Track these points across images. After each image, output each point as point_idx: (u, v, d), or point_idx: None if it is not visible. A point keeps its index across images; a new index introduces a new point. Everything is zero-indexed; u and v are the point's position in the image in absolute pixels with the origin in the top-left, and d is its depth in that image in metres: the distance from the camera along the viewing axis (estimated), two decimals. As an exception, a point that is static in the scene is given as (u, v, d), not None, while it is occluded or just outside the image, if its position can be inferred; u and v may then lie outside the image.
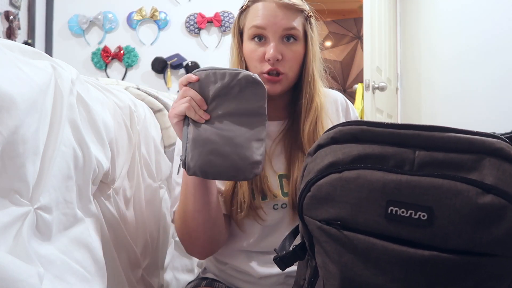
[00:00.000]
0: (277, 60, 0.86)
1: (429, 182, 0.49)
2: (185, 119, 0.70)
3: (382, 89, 2.69)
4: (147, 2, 2.85)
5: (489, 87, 2.07)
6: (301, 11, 0.90)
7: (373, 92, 2.62)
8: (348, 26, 5.32)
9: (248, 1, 0.92)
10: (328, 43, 5.33)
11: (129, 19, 2.86)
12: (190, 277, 1.20)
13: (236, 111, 0.68)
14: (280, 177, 0.91)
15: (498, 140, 0.50)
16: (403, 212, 0.49)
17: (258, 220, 0.88)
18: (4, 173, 0.49)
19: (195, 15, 2.83)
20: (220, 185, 0.90)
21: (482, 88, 2.12)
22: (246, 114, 0.69)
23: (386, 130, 0.54)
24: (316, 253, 0.59)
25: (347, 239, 0.52)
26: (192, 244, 0.84)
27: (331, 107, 0.99)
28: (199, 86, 0.69)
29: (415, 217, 0.49)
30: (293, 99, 0.95)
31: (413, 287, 0.50)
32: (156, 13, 2.83)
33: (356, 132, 0.55)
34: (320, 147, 0.58)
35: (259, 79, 0.69)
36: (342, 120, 1.00)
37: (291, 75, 0.90)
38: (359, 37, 5.20)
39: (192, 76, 0.69)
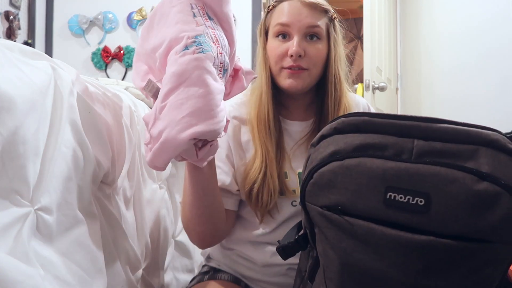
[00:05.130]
0: (300, 56, 0.88)
1: (427, 170, 0.50)
2: None
3: (382, 89, 2.69)
4: (147, 2, 2.84)
5: (489, 87, 2.07)
6: (325, 11, 0.93)
7: (373, 92, 2.62)
8: (348, 26, 5.32)
9: (275, 1, 0.95)
10: (328, 43, 5.33)
11: (129, 19, 2.85)
12: (190, 277, 1.20)
13: None
14: (300, 174, 0.93)
15: (494, 132, 0.52)
16: (401, 198, 0.50)
17: (272, 214, 0.91)
18: (5, 174, 0.49)
19: (195, 15, 2.83)
20: (235, 183, 0.91)
21: (482, 88, 2.12)
22: None
23: (387, 120, 0.55)
24: (317, 241, 0.60)
25: (348, 224, 0.54)
26: (190, 234, 0.87)
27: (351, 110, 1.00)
28: None
29: (413, 202, 0.50)
30: (318, 100, 0.96)
31: (411, 271, 0.51)
32: (156, 13, 2.83)
33: (358, 123, 0.57)
34: (323, 137, 0.60)
35: None
36: None
37: (315, 71, 0.91)
38: (359, 37, 5.19)
39: None
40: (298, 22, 0.89)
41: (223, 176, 0.90)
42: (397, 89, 3.24)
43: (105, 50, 2.83)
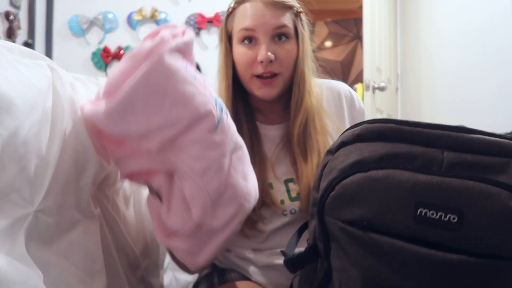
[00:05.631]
0: (270, 61, 0.83)
1: (460, 184, 0.48)
2: None
3: (382, 89, 2.69)
4: (147, 2, 2.84)
5: (489, 87, 2.07)
6: (290, 7, 0.87)
7: (373, 92, 2.62)
8: (348, 26, 5.31)
9: (234, 3, 0.88)
10: (328, 43, 5.33)
11: (129, 19, 2.85)
12: (189, 278, 1.20)
13: None
14: (286, 182, 0.89)
15: None
16: (432, 214, 0.48)
17: (258, 228, 0.86)
18: (5, 175, 0.48)
19: (195, 15, 2.82)
20: None
21: (482, 88, 2.12)
22: None
23: (414, 129, 0.53)
24: (333, 255, 0.57)
25: (372, 241, 0.51)
26: (183, 268, 0.81)
27: (332, 101, 0.95)
28: None
29: (445, 219, 0.47)
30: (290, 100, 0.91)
31: None
32: (156, 13, 2.83)
33: (384, 130, 0.54)
34: (343, 144, 0.56)
35: None
36: (346, 112, 0.97)
37: (287, 74, 0.87)
38: (359, 37, 5.19)
39: None
40: (263, 24, 0.83)
41: None
42: (397, 89, 3.23)
43: (105, 50, 2.83)
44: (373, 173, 0.51)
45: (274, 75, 0.85)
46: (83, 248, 0.61)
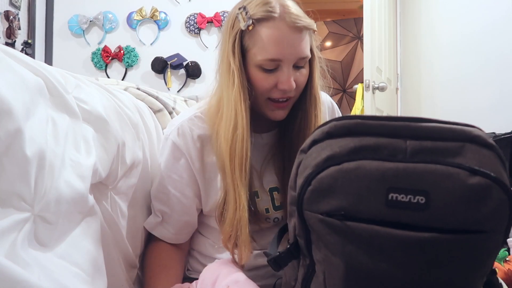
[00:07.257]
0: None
1: (424, 168, 0.52)
2: None
3: (382, 89, 2.69)
4: (147, 2, 2.84)
5: (488, 87, 2.07)
6: (309, 28, 0.83)
7: (373, 92, 2.62)
8: (348, 26, 5.31)
9: (252, 20, 0.79)
10: (328, 43, 5.33)
11: (129, 19, 2.85)
12: (189, 277, 1.20)
13: None
14: (271, 190, 0.89)
15: (475, 129, 0.56)
16: (402, 197, 0.52)
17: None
18: (6, 177, 0.48)
19: (195, 15, 2.83)
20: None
21: (481, 89, 2.13)
22: None
23: (379, 122, 0.57)
24: (314, 248, 0.60)
25: (350, 229, 0.54)
26: None
27: None
28: None
29: (414, 201, 0.52)
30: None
31: (415, 269, 0.53)
32: (156, 13, 2.83)
33: (351, 126, 0.57)
34: (315, 142, 0.60)
35: None
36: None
37: (297, 96, 0.87)
38: (359, 37, 5.20)
39: None
40: (290, 55, 0.79)
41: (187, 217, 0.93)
42: (397, 89, 3.23)
43: (105, 50, 2.83)
44: (345, 165, 0.55)
45: (288, 99, 0.84)
46: (83, 247, 0.61)
